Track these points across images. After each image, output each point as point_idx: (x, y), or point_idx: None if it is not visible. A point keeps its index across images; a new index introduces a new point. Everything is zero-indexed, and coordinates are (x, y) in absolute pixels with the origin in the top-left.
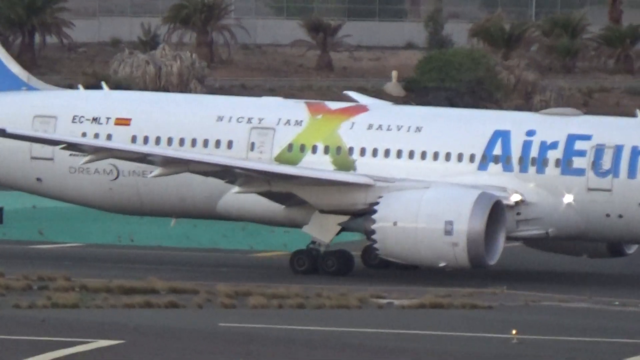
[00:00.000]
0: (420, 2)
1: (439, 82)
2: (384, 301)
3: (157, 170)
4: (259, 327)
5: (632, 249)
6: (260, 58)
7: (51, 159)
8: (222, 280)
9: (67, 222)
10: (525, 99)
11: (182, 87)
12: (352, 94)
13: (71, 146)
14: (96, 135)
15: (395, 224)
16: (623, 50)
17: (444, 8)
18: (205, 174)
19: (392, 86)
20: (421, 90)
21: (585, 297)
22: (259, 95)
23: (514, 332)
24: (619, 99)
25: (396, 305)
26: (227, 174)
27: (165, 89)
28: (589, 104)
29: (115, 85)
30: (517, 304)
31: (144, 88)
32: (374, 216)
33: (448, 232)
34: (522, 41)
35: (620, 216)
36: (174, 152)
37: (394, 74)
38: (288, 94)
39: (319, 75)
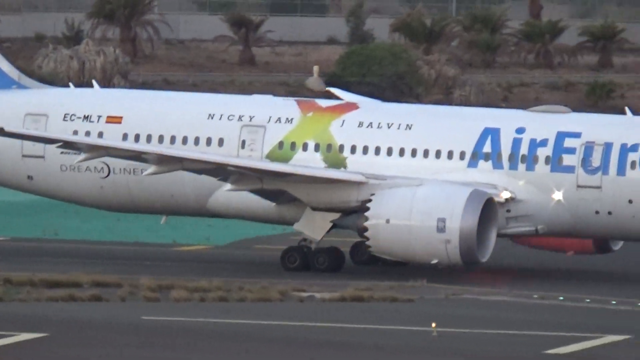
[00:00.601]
0: None
1: (360, 77)
2: (305, 294)
3: (152, 168)
4: (182, 320)
5: (618, 246)
6: (183, 53)
7: (42, 157)
8: (145, 273)
9: None
10: (446, 94)
11: (106, 82)
12: (336, 90)
13: (67, 144)
14: (87, 133)
15: (388, 221)
16: (542, 45)
17: (365, 3)
18: (199, 171)
19: (314, 81)
20: (343, 85)
21: (505, 291)
22: (183, 89)
23: (433, 325)
24: (539, 94)
25: (317, 298)
26: (220, 171)
27: (88, 84)
28: (509, 99)
29: (40, 81)
30: (437, 297)
31: (67, 84)
32: (366, 213)
33: (441, 230)
34: (443, 36)
35: (610, 213)
36: (168, 150)
37: (316, 69)
38: (211, 89)
39: (241, 71)
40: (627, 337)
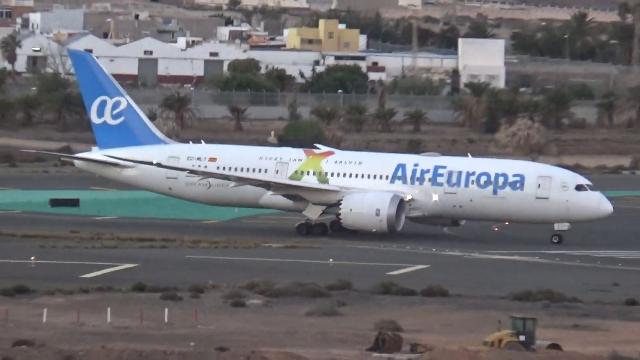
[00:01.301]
0: None
1: (294, 137)
2: (267, 244)
3: (234, 183)
4: (206, 257)
5: (463, 222)
6: (205, 125)
7: (176, 178)
8: (187, 234)
9: None
10: (337, 146)
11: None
12: (320, 145)
13: (191, 172)
14: (198, 167)
15: (351, 210)
16: (386, 121)
17: (296, 100)
18: (257, 185)
19: (271, 139)
20: (287, 141)
21: (368, 244)
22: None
23: (330, 260)
24: (385, 145)
25: (274, 247)
26: (268, 185)
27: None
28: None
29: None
30: (333, 246)
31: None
32: (340, 206)
33: (377, 214)
34: (336, 116)
35: (461, 206)
36: (241, 174)
37: (272, 133)
38: (221, 142)
39: (235, 134)
40: (426, 265)
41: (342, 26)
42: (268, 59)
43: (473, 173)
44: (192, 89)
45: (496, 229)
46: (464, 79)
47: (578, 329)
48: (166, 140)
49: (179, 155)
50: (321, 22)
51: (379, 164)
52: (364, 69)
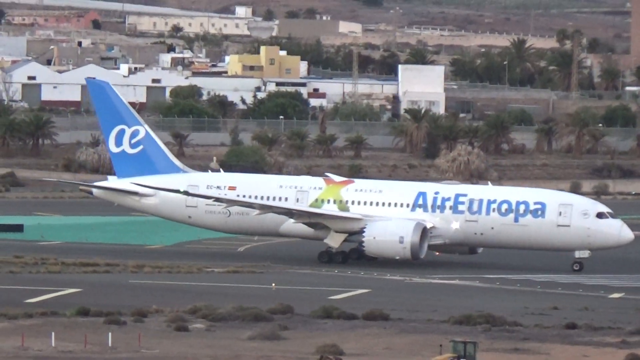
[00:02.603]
0: None
1: (237, 163)
2: (209, 269)
3: (257, 211)
4: (149, 282)
5: (480, 250)
6: None
7: (196, 207)
8: (132, 259)
9: None
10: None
11: None
12: (331, 175)
13: (217, 200)
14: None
15: (374, 238)
16: (327, 147)
17: (237, 126)
18: (280, 213)
19: (213, 165)
20: (229, 166)
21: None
22: None
23: (273, 284)
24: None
25: (216, 271)
26: (291, 213)
27: None
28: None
29: None
30: (275, 271)
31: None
32: (363, 234)
33: (401, 242)
34: (278, 142)
35: (482, 234)
36: (264, 202)
37: (214, 158)
38: None
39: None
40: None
41: (283, 53)
42: (210, 86)
43: (494, 201)
44: None
45: (437, 253)
46: (404, 105)
47: (518, 353)
48: (185, 168)
49: (198, 184)
50: (262, 48)
51: (400, 192)
52: (305, 95)
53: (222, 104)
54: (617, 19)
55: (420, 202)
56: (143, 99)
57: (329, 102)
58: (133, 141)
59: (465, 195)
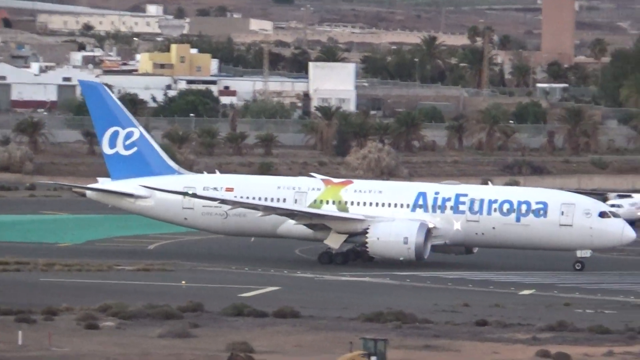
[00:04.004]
0: None
1: None
2: (120, 267)
3: (261, 213)
4: (59, 280)
5: (476, 250)
6: (64, 149)
7: (192, 209)
8: (43, 257)
9: None
10: None
11: None
12: (315, 175)
13: (223, 201)
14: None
15: (378, 239)
16: (238, 144)
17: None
18: (283, 214)
19: None
20: None
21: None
22: None
23: (183, 282)
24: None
25: (127, 269)
26: (294, 214)
27: None
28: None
29: None
30: (185, 269)
31: None
32: (367, 235)
33: (405, 243)
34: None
35: (483, 234)
36: (268, 203)
37: None
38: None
39: (87, 157)
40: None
41: (194, 51)
42: (121, 84)
43: (495, 201)
44: (45, 113)
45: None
46: (314, 103)
47: (429, 350)
48: (180, 170)
49: (195, 186)
50: (173, 46)
51: (400, 193)
52: (215, 93)
53: (132, 102)
54: (528, 16)
55: (421, 202)
56: (54, 98)
57: (239, 99)
58: (127, 142)
59: (465, 195)
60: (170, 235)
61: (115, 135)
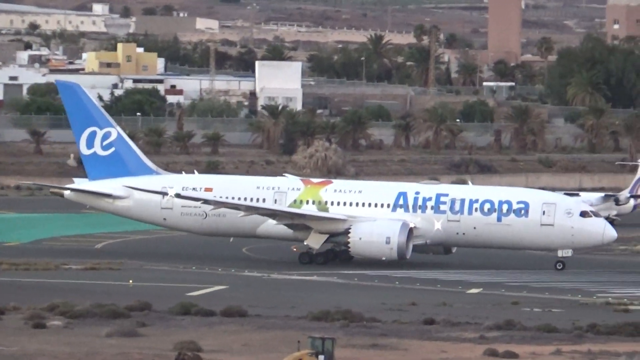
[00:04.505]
0: None
1: None
2: (67, 266)
3: (243, 213)
4: (7, 279)
5: (454, 250)
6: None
7: (171, 209)
8: None
9: None
10: None
11: None
12: (288, 175)
13: (205, 202)
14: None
15: (360, 239)
16: (185, 143)
17: None
18: (265, 214)
19: (71, 161)
20: None
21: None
22: None
23: (130, 281)
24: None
25: (74, 268)
26: (275, 214)
27: None
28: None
29: None
30: (132, 268)
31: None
32: (349, 235)
33: (387, 243)
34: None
35: (464, 234)
36: (250, 204)
37: (72, 156)
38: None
39: (34, 156)
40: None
41: (140, 50)
42: None
43: (476, 200)
44: None
45: (295, 249)
46: (261, 101)
47: (376, 349)
48: (158, 170)
49: (173, 186)
50: (119, 45)
51: (380, 193)
52: (162, 92)
53: None
54: (474, 15)
55: (401, 202)
56: (0, 97)
57: (186, 98)
58: (105, 143)
59: (446, 195)
60: (118, 234)
61: (92, 135)
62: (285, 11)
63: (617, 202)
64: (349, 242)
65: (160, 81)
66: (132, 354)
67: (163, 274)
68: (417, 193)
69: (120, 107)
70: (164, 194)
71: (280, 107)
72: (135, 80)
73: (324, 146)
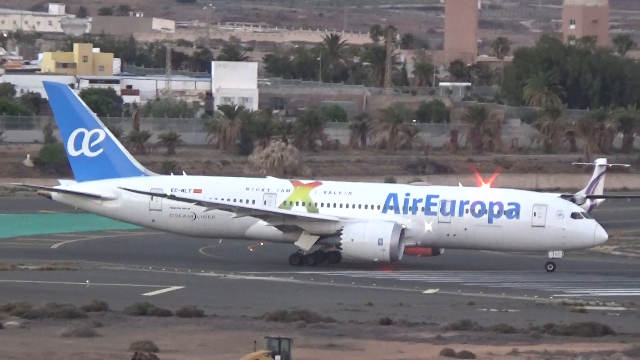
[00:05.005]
0: None
1: (50, 160)
2: (23, 266)
3: (235, 214)
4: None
5: (442, 251)
6: None
7: (160, 210)
8: None
9: None
10: None
11: None
12: (270, 177)
13: (199, 203)
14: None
15: (352, 240)
16: (140, 144)
17: (52, 122)
18: (257, 216)
19: (27, 161)
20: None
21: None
22: None
23: (87, 281)
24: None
25: (30, 268)
26: (267, 215)
27: None
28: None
29: None
30: (89, 268)
31: None
32: (340, 236)
33: (380, 244)
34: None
35: (455, 235)
36: (244, 205)
37: (28, 156)
38: None
39: None
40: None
41: (96, 50)
42: (23, 83)
43: (467, 202)
44: None
45: (251, 249)
46: (217, 102)
47: (333, 349)
48: (146, 172)
49: (162, 187)
50: (76, 46)
51: (370, 194)
52: (118, 92)
53: (35, 102)
54: (430, 15)
55: (392, 203)
56: None
57: (142, 99)
58: (93, 144)
59: (437, 196)
60: (74, 234)
61: (80, 137)
62: (241, 11)
63: (573, 202)
64: (340, 244)
65: (117, 81)
66: (88, 354)
67: (120, 274)
68: (408, 194)
69: None
70: (163, 195)
71: (236, 108)
72: (91, 81)
73: (280, 146)
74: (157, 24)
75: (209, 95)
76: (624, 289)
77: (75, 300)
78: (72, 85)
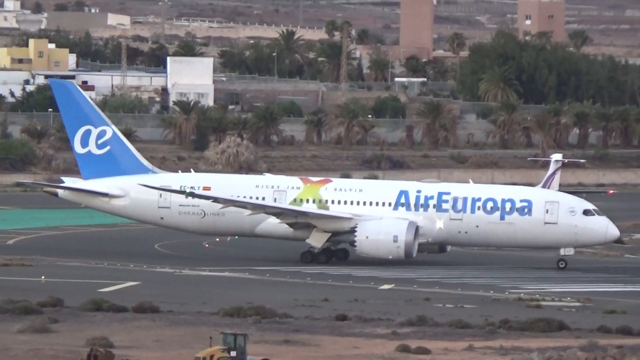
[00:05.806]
0: None
1: None
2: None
3: (250, 211)
4: None
5: (449, 248)
6: None
7: (169, 208)
8: None
9: None
10: None
11: None
12: (268, 175)
13: (215, 200)
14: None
15: (367, 237)
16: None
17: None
18: (271, 213)
19: None
20: None
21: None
22: None
23: (43, 277)
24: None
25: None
26: (280, 212)
27: None
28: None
29: None
30: (44, 264)
31: None
32: (355, 234)
33: (395, 241)
34: None
35: (467, 232)
36: (256, 202)
37: None
38: None
39: None
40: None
41: (52, 46)
42: None
43: (479, 199)
44: None
45: (207, 245)
46: (173, 97)
47: (289, 345)
48: (154, 169)
49: (171, 184)
50: (31, 41)
51: (381, 191)
52: None
53: None
54: (386, 10)
55: (403, 200)
56: None
57: (98, 94)
58: (100, 142)
59: (448, 193)
60: (30, 230)
61: (87, 134)
62: (196, 7)
63: None
64: (355, 241)
65: (72, 77)
66: (44, 350)
67: (75, 270)
68: (419, 191)
69: (32, 103)
70: (184, 192)
71: (192, 103)
72: (47, 76)
73: (235, 142)
74: (113, 19)
75: (164, 91)
76: (580, 285)
77: (30, 296)
78: (27, 81)
